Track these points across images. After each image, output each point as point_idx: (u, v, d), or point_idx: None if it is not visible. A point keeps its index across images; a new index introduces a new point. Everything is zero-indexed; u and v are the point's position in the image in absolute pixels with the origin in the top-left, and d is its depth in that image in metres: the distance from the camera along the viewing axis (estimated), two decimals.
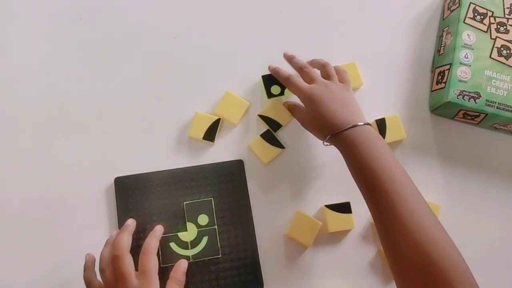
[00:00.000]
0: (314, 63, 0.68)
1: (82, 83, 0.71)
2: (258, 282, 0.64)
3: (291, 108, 0.68)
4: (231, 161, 0.68)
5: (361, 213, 0.67)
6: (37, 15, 0.73)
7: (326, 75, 0.65)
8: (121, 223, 0.64)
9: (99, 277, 0.57)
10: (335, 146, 0.60)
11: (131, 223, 0.61)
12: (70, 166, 0.67)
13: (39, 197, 0.66)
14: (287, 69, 0.68)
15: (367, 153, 0.56)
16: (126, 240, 0.57)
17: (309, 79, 0.65)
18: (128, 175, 0.66)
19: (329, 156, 0.69)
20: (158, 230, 0.61)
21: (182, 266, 0.60)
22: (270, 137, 0.68)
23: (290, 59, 0.68)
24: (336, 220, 0.66)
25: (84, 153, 0.68)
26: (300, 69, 0.66)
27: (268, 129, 0.68)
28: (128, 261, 0.55)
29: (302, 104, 0.65)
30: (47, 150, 0.68)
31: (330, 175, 0.69)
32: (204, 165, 0.67)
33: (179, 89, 0.71)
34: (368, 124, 0.59)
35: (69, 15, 0.73)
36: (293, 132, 0.70)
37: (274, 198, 0.67)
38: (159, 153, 0.68)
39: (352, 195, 0.67)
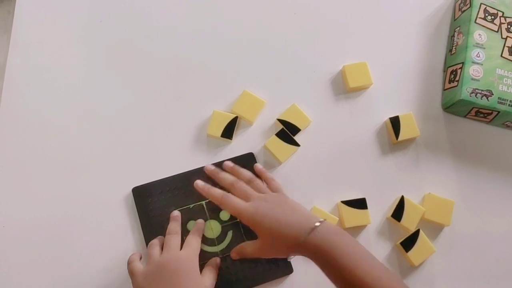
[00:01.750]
0: (240, 175, 0.64)
1: (100, 85, 0.72)
2: (288, 268, 0.65)
3: (240, 251, 0.62)
4: (242, 155, 0.69)
5: (377, 209, 0.69)
6: (56, 18, 0.75)
7: (257, 190, 0.62)
8: (145, 230, 0.65)
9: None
10: (303, 255, 0.56)
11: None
12: (89, 175, 0.68)
13: (60, 210, 0.66)
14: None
15: (341, 256, 0.53)
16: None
17: (244, 195, 0.60)
18: (145, 184, 0.67)
19: (344, 152, 0.71)
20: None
21: (218, 261, 0.63)
22: (285, 136, 0.69)
23: (215, 174, 0.64)
24: (352, 216, 0.67)
25: (102, 162, 0.68)
26: (231, 185, 0.62)
27: (283, 127, 0.70)
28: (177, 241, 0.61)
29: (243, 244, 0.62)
30: (67, 159, 0.68)
31: (345, 171, 0.70)
32: (216, 163, 0.68)
33: (197, 88, 0.72)
34: (323, 220, 0.56)
35: (88, 17, 0.75)
36: (306, 130, 0.72)
37: (291, 195, 0.68)
38: (178, 152, 0.69)
39: (368, 191, 0.69)
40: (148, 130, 0.70)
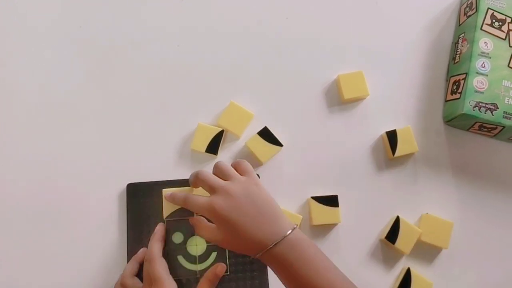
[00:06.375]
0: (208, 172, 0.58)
1: (84, 91, 0.68)
2: None
3: (197, 227, 0.57)
4: None
5: (370, 230, 0.65)
6: (37, 25, 0.71)
7: (224, 176, 0.55)
8: (130, 230, 0.63)
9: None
10: (262, 260, 0.52)
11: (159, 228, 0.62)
12: (84, 171, 0.65)
13: (52, 198, 0.64)
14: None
15: (304, 267, 0.50)
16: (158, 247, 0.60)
17: (208, 187, 0.55)
18: (140, 182, 0.64)
19: (336, 167, 0.67)
20: (159, 231, 0.61)
21: (218, 269, 0.60)
22: (267, 135, 0.66)
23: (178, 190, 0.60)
24: (321, 213, 0.63)
25: (96, 159, 0.66)
26: (194, 183, 0.57)
27: (265, 126, 0.66)
28: (159, 265, 0.57)
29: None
30: (62, 154, 0.66)
31: (336, 187, 0.66)
32: None
33: (182, 98, 0.69)
34: (295, 225, 0.53)
35: (69, 23, 0.71)
36: (296, 143, 0.68)
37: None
38: (162, 164, 0.66)
39: (360, 210, 0.65)
40: (136, 139, 0.67)
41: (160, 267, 0.57)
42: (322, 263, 0.52)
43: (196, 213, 0.59)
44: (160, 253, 0.59)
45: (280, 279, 0.53)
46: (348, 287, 0.51)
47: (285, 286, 0.53)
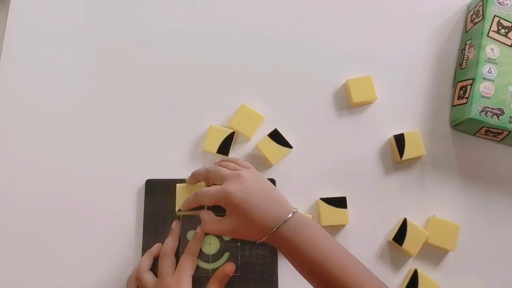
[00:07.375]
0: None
1: (96, 92, 0.70)
2: None
3: (203, 219, 0.60)
4: None
5: (378, 232, 0.66)
6: (51, 26, 0.73)
7: (231, 169, 0.60)
8: (146, 225, 0.64)
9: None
10: (270, 243, 0.55)
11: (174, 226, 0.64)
12: (106, 168, 0.67)
13: (72, 192, 0.66)
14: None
15: (309, 248, 0.52)
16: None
17: (219, 178, 0.58)
18: (158, 179, 0.66)
19: (345, 170, 0.68)
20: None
21: (227, 268, 0.61)
22: (277, 137, 0.67)
23: (192, 177, 0.62)
24: (330, 214, 0.64)
25: (117, 156, 0.68)
26: (206, 172, 0.60)
27: (276, 128, 0.67)
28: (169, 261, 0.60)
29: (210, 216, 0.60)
30: (85, 153, 0.68)
31: (345, 189, 0.67)
32: None
33: (194, 100, 0.70)
34: (295, 209, 0.55)
35: (84, 26, 0.73)
36: (306, 145, 0.69)
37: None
38: (175, 164, 0.67)
39: (368, 212, 0.66)
40: (139, 143, 0.68)
41: (167, 265, 0.59)
42: (326, 243, 0.53)
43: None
44: (175, 245, 0.61)
45: (290, 262, 0.55)
46: (356, 265, 0.53)
47: (295, 268, 0.55)
